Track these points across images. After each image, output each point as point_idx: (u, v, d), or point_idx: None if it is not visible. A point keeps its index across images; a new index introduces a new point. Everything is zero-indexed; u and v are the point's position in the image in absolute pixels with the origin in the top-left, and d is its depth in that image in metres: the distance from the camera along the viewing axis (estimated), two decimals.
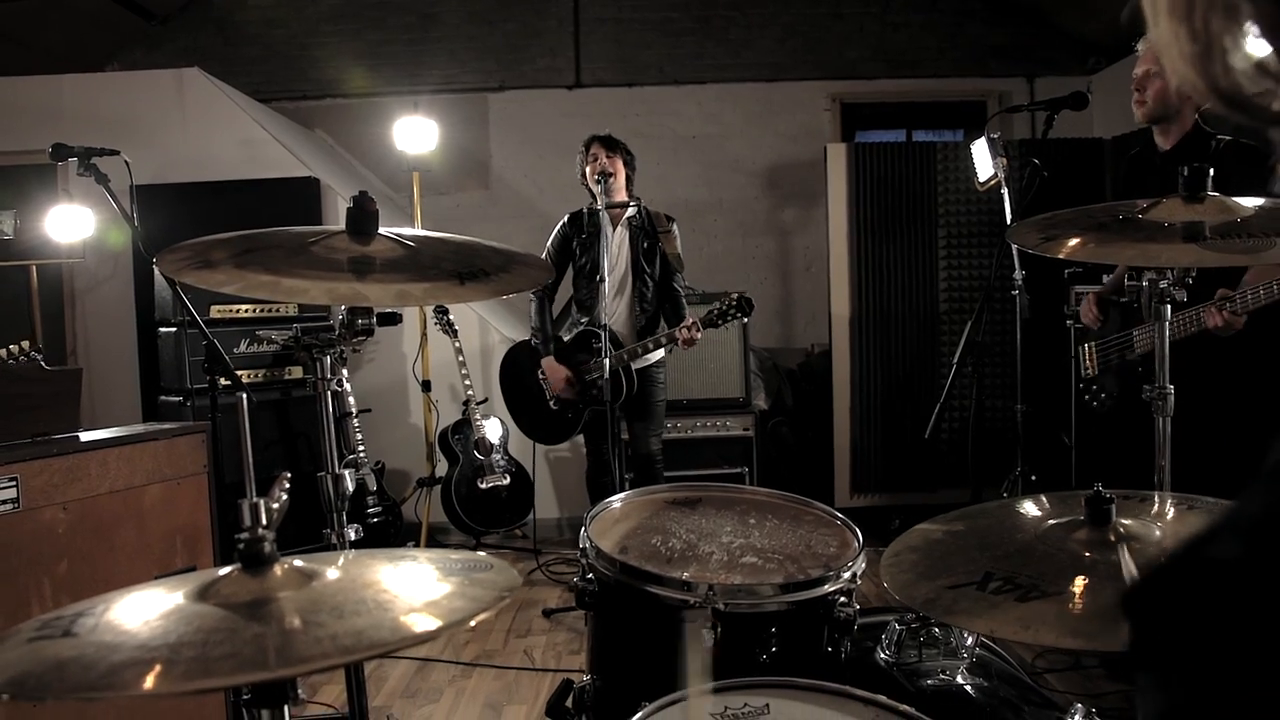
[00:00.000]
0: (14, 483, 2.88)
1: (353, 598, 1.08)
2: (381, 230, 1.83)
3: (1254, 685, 0.39)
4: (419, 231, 1.95)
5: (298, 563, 1.17)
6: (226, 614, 1.05)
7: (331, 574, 1.15)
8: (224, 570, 1.15)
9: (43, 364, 3.25)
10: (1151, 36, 0.45)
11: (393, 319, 1.92)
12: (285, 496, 1.15)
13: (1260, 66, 0.42)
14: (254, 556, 1.12)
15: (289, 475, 1.17)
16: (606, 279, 4.39)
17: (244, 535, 1.13)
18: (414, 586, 1.13)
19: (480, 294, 1.66)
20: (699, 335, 4.43)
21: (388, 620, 1.03)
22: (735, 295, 4.42)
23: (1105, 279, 4.08)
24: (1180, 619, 0.42)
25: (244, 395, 1.23)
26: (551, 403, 4.77)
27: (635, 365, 4.61)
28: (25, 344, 3.29)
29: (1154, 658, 0.44)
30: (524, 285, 1.76)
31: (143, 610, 1.12)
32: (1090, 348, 3.95)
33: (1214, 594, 0.41)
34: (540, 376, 4.78)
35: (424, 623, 1.01)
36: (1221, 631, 0.40)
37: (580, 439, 5.04)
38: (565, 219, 4.82)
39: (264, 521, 1.13)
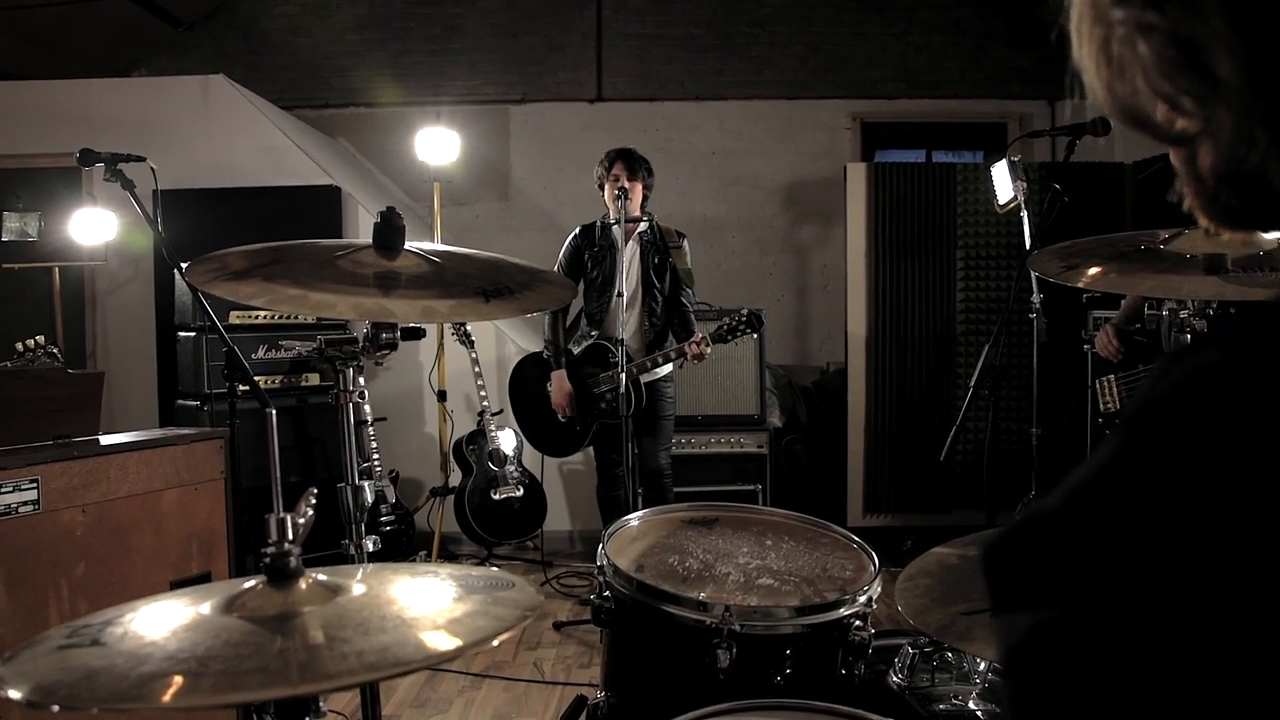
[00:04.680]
0: (35, 484, 2.90)
1: (376, 614, 1.09)
2: (407, 245, 1.84)
3: (1075, 610, 0.44)
4: (444, 247, 1.97)
5: (321, 577, 1.18)
6: (253, 628, 1.06)
7: (356, 590, 1.16)
8: (249, 583, 1.17)
9: (66, 368, 3.29)
10: (1074, 57, 0.51)
11: (416, 333, 1.94)
12: (311, 512, 1.17)
13: (1159, 91, 0.47)
14: (280, 570, 1.13)
15: (315, 491, 1.19)
16: (625, 294, 4.41)
17: (270, 549, 1.14)
18: (436, 604, 1.15)
19: (505, 312, 1.68)
20: (708, 351, 4.44)
21: (411, 638, 1.04)
22: (745, 311, 4.43)
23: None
24: (1018, 564, 0.48)
25: (271, 411, 1.24)
26: (560, 416, 4.78)
27: (644, 379, 4.62)
28: (40, 339, 3.33)
29: (1001, 600, 0.49)
30: (548, 304, 1.77)
31: (169, 620, 1.13)
32: (1112, 381, 3.92)
33: (1039, 539, 0.48)
34: (549, 388, 4.80)
35: (447, 641, 1.02)
36: (1048, 570, 0.46)
37: (592, 451, 5.05)
38: (576, 231, 4.84)
39: (290, 536, 1.14)
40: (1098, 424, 4.07)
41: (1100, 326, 4.40)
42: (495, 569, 1.56)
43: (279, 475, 1.20)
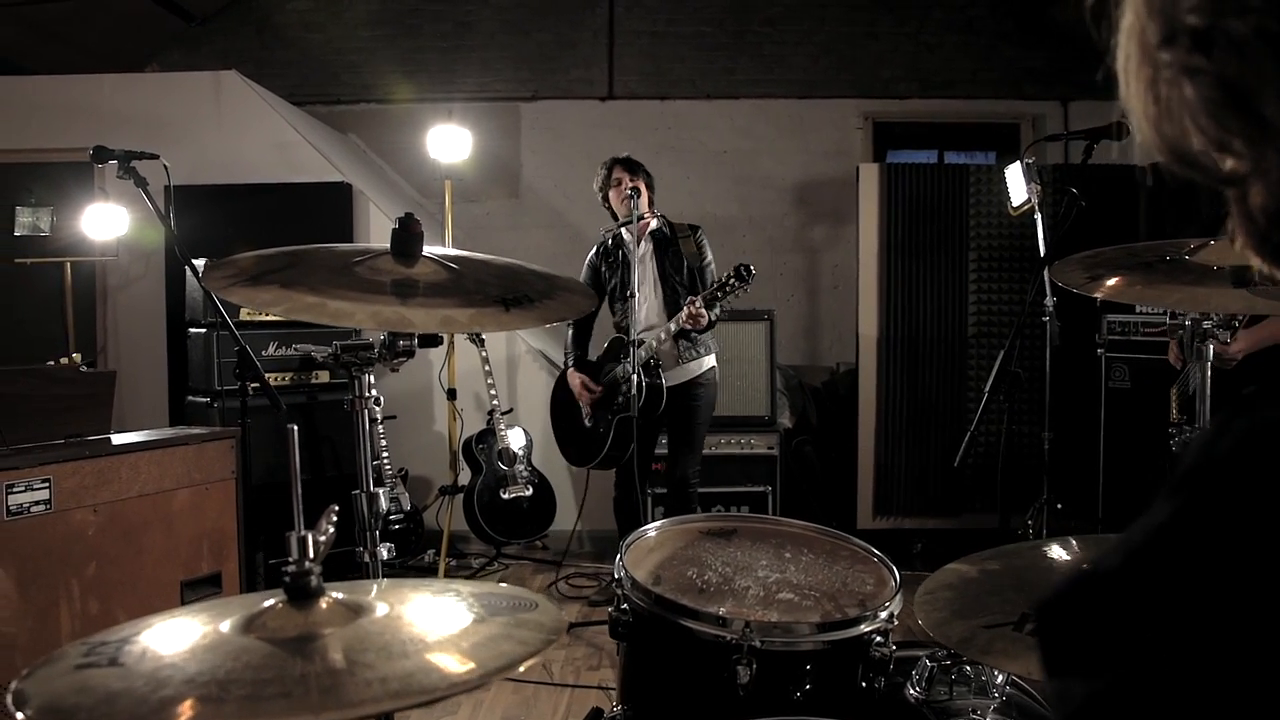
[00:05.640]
0: (47, 484, 2.90)
1: (399, 637, 1.08)
2: (425, 251, 1.82)
3: (1132, 679, 0.43)
4: (461, 252, 1.95)
5: (341, 595, 1.17)
6: (273, 650, 1.04)
7: (378, 610, 1.14)
8: (269, 601, 1.15)
9: (79, 367, 3.28)
10: (1122, 96, 0.51)
11: (434, 341, 1.92)
12: (332, 529, 1.15)
13: (1207, 133, 0.47)
14: (300, 589, 1.12)
15: (336, 508, 1.17)
16: (636, 294, 4.37)
17: (291, 568, 1.12)
18: (458, 626, 1.13)
19: (525, 322, 1.66)
20: (701, 309, 4.24)
21: (434, 664, 1.02)
22: (734, 267, 4.20)
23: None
24: (1074, 628, 0.48)
25: (293, 428, 1.22)
26: (586, 420, 4.73)
27: (670, 382, 4.51)
28: (76, 357, 3.33)
29: (1056, 665, 0.48)
30: (568, 313, 1.75)
31: (187, 638, 1.12)
32: (1174, 392, 3.92)
33: (1098, 600, 0.47)
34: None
35: (471, 668, 1.01)
36: (1104, 635, 0.45)
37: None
38: (593, 251, 4.80)
39: (311, 554, 1.13)
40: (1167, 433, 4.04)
41: (1119, 330, 4.38)
42: (505, 584, 1.54)
43: (300, 493, 1.18)
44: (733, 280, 4.19)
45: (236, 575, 3.54)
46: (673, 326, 4.39)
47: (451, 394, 5.67)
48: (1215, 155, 0.48)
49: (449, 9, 7.51)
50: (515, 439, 5.56)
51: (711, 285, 4.32)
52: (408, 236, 1.78)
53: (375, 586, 1.31)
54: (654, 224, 4.66)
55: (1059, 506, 4.60)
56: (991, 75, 7.51)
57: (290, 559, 1.13)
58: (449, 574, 5.36)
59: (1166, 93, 0.48)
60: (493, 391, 5.55)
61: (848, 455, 5.87)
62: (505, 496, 5.44)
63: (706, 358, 4.62)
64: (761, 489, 5.49)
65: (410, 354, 1.85)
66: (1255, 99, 0.44)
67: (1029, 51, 7.43)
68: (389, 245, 1.82)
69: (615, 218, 4.66)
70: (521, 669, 1.00)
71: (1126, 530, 0.48)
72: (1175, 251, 2.02)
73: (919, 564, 5.38)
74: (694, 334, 4.50)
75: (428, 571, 5.41)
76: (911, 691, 2.03)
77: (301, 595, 1.12)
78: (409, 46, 7.53)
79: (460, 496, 5.55)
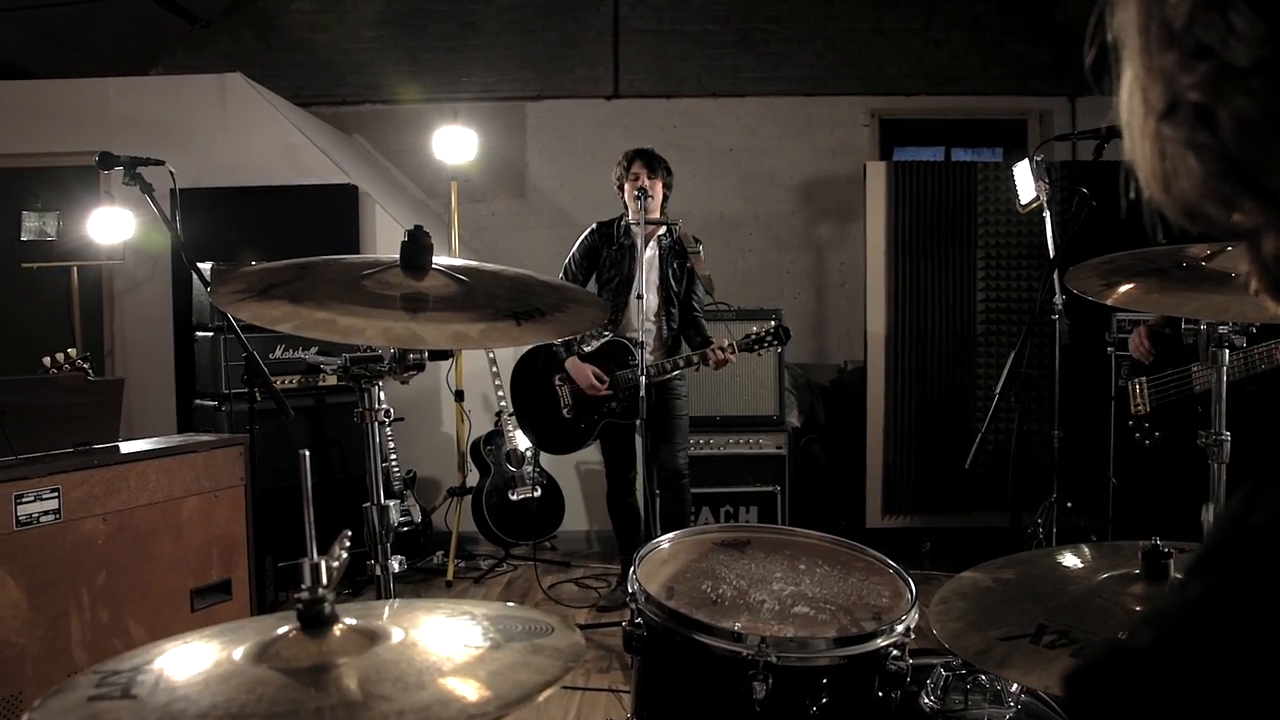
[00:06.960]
0: (56, 494, 2.90)
1: (414, 665, 1.06)
2: (434, 264, 1.81)
3: None
4: (470, 263, 1.93)
5: (355, 622, 1.15)
6: (287, 680, 1.03)
7: (394, 636, 1.13)
8: (282, 629, 1.14)
9: (88, 373, 3.27)
10: (1127, 153, 0.52)
11: (444, 354, 1.90)
12: (345, 555, 1.14)
13: (1214, 189, 0.47)
14: (314, 617, 1.10)
15: (349, 533, 1.16)
16: (645, 296, 4.34)
17: (303, 595, 1.11)
18: (475, 654, 1.11)
19: (537, 335, 1.64)
20: (733, 358, 4.36)
21: (452, 696, 1.00)
22: (774, 324, 4.34)
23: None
24: (1103, 703, 0.48)
25: (305, 454, 1.20)
26: (565, 411, 4.60)
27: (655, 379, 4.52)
28: (72, 351, 3.31)
29: None
30: (580, 326, 1.74)
31: (199, 667, 1.10)
32: (1142, 384, 3.87)
33: (1128, 677, 0.47)
34: (557, 382, 4.60)
35: (489, 699, 0.99)
36: (1133, 710, 0.46)
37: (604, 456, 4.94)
38: (594, 227, 4.72)
39: (324, 581, 1.11)
40: (1127, 425, 4.03)
41: (1128, 328, 4.36)
42: (514, 605, 1.53)
43: (312, 518, 1.15)
44: (771, 338, 4.34)
45: (246, 582, 3.53)
46: (695, 359, 4.42)
47: (459, 395, 5.65)
48: (1224, 211, 0.48)
49: (453, 9, 7.49)
50: (523, 440, 5.54)
51: (749, 336, 4.39)
52: (417, 249, 1.77)
53: (387, 608, 1.30)
54: (661, 231, 4.61)
55: (1069, 505, 4.57)
56: (998, 71, 7.49)
57: (303, 585, 1.11)
58: (458, 575, 5.36)
59: (1173, 154, 0.48)
60: (500, 393, 5.53)
61: (856, 454, 5.85)
62: (514, 498, 5.44)
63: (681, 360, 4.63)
64: (770, 489, 5.47)
65: (420, 367, 1.84)
66: (1262, 174, 0.44)
67: (1036, 47, 7.41)
68: (398, 257, 1.80)
69: (628, 211, 4.62)
70: (541, 698, 0.99)
71: (1157, 603, 0.49)
72: (1191, 258, 1.99)
73: (928, 563, 5.37)
74: (682, 350, 4.57)
75: (436, 573, 5.41)
76: (926, 701, 2.02)
77: (315, 623, 1.11)
78: (414, 47, 7.52)
79: (469, 498, 5.54)
